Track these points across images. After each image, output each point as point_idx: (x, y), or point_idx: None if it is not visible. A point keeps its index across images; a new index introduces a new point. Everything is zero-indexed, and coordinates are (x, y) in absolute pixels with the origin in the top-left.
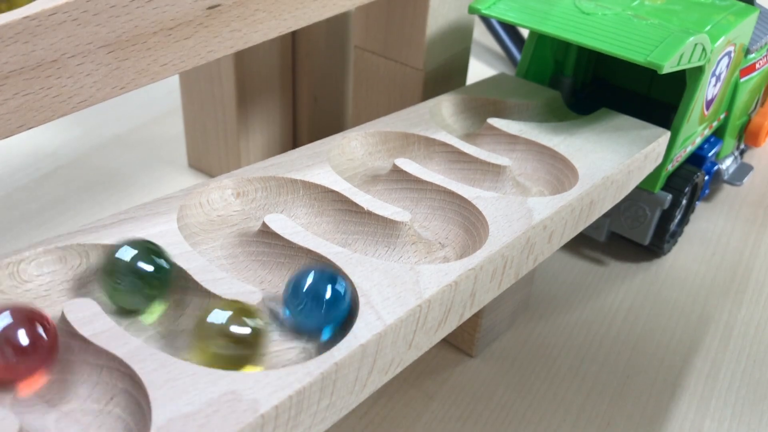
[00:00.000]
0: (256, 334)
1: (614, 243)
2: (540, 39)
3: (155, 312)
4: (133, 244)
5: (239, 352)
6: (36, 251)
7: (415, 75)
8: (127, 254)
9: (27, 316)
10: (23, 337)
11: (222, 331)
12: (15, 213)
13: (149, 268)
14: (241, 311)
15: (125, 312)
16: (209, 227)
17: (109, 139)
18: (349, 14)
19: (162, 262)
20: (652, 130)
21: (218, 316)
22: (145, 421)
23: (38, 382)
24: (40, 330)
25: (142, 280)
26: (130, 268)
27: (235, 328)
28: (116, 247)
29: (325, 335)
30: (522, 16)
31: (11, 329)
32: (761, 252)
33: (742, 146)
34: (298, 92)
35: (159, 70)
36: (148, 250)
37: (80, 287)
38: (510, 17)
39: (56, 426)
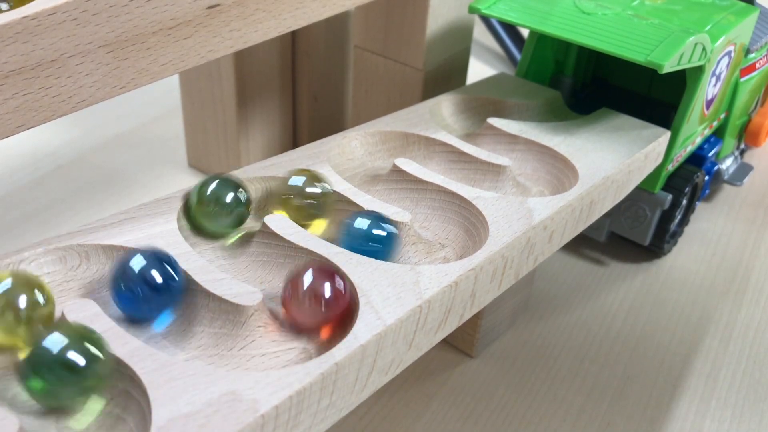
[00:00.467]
0: (325, 194)
1: (614, 243)
2: (540, 39)
3: (234, 237)
4: (219, 179)
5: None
6: (36, 251)
7: (415, 75)
8: (213, 187)
9: (329, 272)
10: (327, 291)
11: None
12: (15, 213)
13: (231, 198)
14: (313, 178)
15: (209, 237)
16: None
17: (109, 139)
18: (349, 14)
19: (242, 193)
20: (652, 129)
21: (296, 180)
22: (145, 421)
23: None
24: (340, 284)
25: (225, 208)
26: (215, 198)
27: (310, 189)
28: (204, 182)
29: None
30: (522, 16)
31: (317, 284)
32: (761, 252)
33: (742, 146)
34: (298, 92)
35: (159, 70)
36: (232, 184)
37: (80, 287)
38: (510, 17)
39: (56, 426)
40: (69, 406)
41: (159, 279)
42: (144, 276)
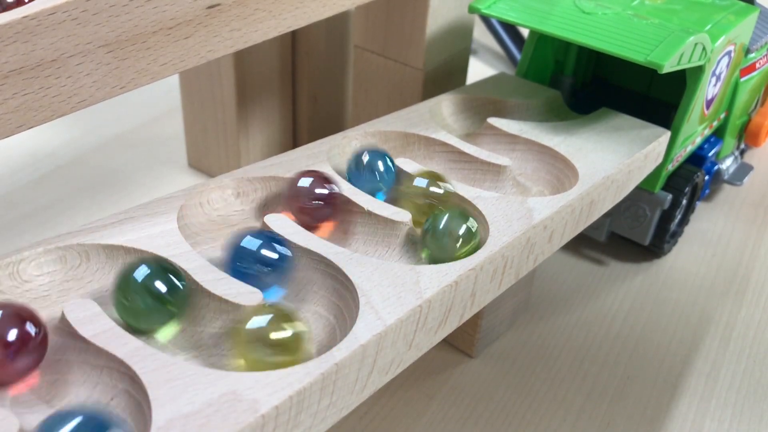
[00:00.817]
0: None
1: (614, 243)
2: (540, 39)
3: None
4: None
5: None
6: (36, 251)
7: (415, 75)
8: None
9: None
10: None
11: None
12: (15, 213)
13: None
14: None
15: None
16: (209, 227)
17: (109, 139)
18: (349, 14)
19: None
20: (652, 129)
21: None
22: (146, 421)
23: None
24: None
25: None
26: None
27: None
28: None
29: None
30: (522, 15)
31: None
32: (761, 252)
33: (742, 146)
34: (297, 92)
35: (159, 70)
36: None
37: (80, 287)
38: (510, 17)
39: None
40: (155, 328)
41: (273, 256)
42: (257, 255)
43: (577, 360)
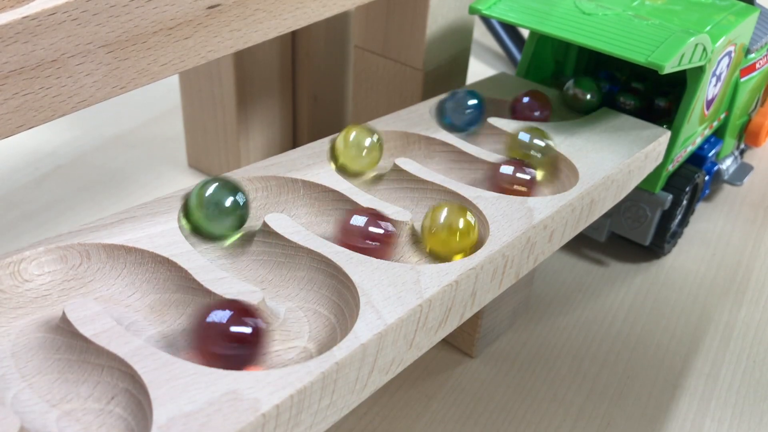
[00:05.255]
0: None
1: (614, 243)
2: (540, 39)
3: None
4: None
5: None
6: (37, 251)
7: (415, 75)
8: (212, 190)
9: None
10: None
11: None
12: (15, 213)
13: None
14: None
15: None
16: None
17: (109, 139)
18: (349, 14)
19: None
20: (652, 129)
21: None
22: (147, 420)
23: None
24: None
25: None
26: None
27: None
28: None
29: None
30: (522, 16)
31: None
32: (761, 252)
33: (742, 146)
34: (298, 92)
35: (159, 70)
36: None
37: (81, 286)
38: (510, 17)
39: (57, 425)
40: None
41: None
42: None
43: (577, 360)
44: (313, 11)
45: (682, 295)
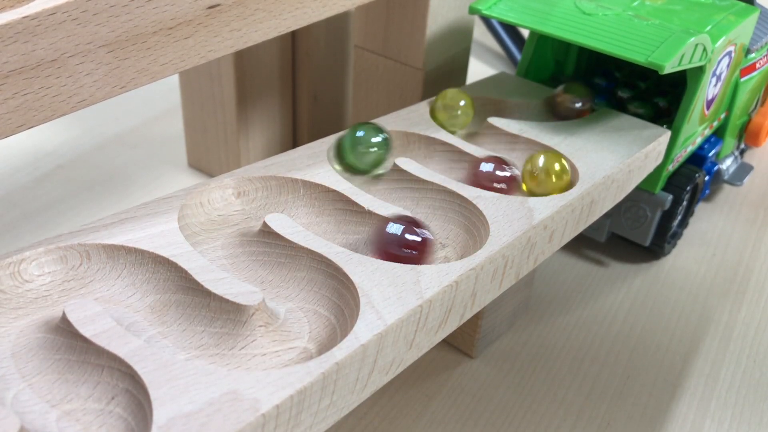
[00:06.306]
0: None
1: (614, 244)
2: (540, 39)
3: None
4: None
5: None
6: (37, 251)
7: (415, 75)
8: (362, 132)
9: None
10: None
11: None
12: (15, 213)
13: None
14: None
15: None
16: (210, 227)
17: (109, 139)
18: (349, 14)
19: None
20: (652, 129)
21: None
22: (147, 420)
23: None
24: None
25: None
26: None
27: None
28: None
29: None
30: (522, 16)
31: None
32: (761, 252)
33: (742, 146)
34: (298, 92)
35: (159, 70)
36: (376, 128)
37: (81, 286)
38: (510, 17)
39: (57, 425)
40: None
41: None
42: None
43: (576, 360)
44: (313, 11)
45: (682, 295)
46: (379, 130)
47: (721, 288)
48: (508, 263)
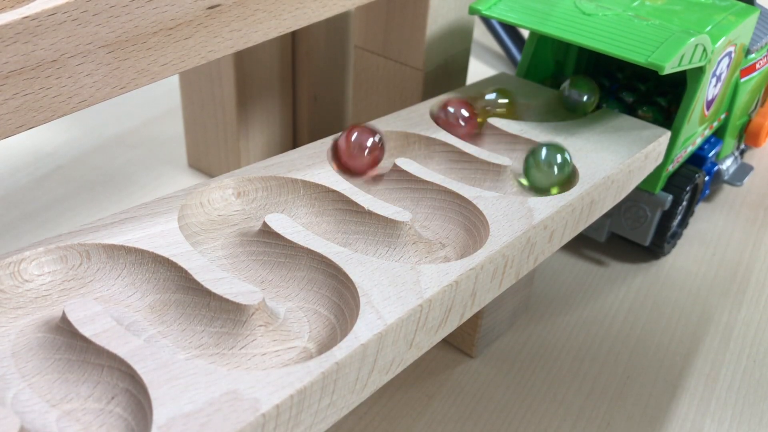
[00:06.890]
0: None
1: (614, 244)
2: (540, 39)
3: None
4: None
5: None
6: (37, 251)
7: (415, 75)
8: (550, 154)
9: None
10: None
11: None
12: (15, 213)
13: (561, 160)
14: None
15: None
16: (210, 227)
17: (109, 139)
18: (349, 14)
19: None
20: (652, 129)
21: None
22: (147, 420)
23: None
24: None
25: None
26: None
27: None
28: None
29: None
30: (522, 16)
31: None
32: (761, 252)
33: (742, 146)
34: (298, 92)
35: (159, 70)
36: (560, 150)
37: (81, 286)
38: (510, 18)
39: (57, 425)
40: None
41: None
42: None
43: (577, 360)
44: (313, 11)
45: (682, 295)
46: (561, 149)
47: (721, 288)
48: (508, 263)
